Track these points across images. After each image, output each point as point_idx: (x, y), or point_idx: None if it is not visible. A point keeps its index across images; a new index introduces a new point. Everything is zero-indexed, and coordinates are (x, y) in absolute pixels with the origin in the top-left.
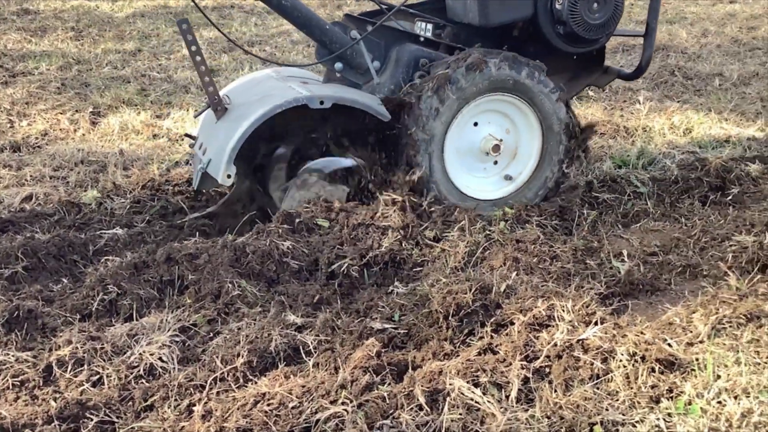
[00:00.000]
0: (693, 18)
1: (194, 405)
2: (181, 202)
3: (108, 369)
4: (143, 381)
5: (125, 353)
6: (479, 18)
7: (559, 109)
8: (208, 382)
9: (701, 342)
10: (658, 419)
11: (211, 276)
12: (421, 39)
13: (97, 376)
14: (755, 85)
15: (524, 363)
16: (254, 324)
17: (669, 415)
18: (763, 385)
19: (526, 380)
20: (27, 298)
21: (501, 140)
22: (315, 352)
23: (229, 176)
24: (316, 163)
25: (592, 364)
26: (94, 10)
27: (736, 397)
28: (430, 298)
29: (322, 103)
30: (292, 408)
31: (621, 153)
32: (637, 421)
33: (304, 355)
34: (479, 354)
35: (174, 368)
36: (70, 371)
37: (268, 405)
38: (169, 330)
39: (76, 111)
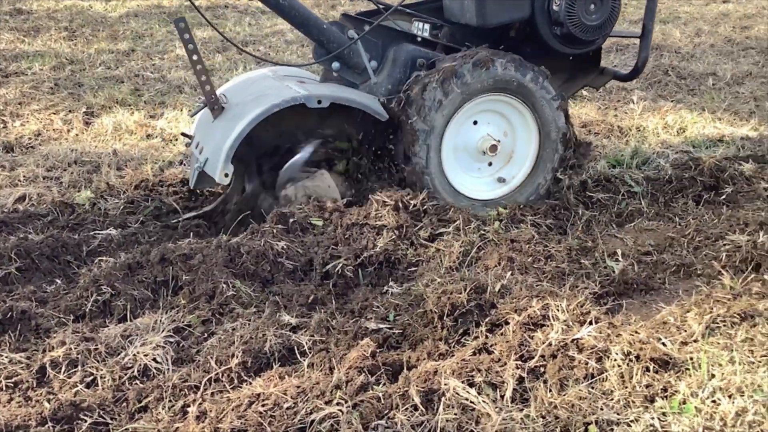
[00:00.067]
0: (686, 18)
1: (189, 406)
2: (174, 203)
3: (102, 370)
4: (137, 382)
5: (119, 354)
6: (476, 18)
7: (559, 118)
8: (203, 382)
9: (695, 341)
10: (652, 418)
11: (205, 276)
12: (419, 39)
13: (91, 378)
14: (748, 85)
15: (519, 363)
16: (249, 324)
17: (664, 414)
18: (757, 384)
19: (520, 380)
20: (20, 299)
21: (498, 141)
22: (310, 353)
23: (226, 175)
24: (285, 169)
25: (586, 363)
26: (88, 10)
27: (730, 396)
28: (424, 298)
29: (320, 102)
30: (287, 408)
31: (615, 152)
32: (631, 421)
33: (298, 356)
34: (474, 354)
35: (168, 369)
36: (63, 372)
37: (263, 406)
38: (163, 331)
39: (70, 111)
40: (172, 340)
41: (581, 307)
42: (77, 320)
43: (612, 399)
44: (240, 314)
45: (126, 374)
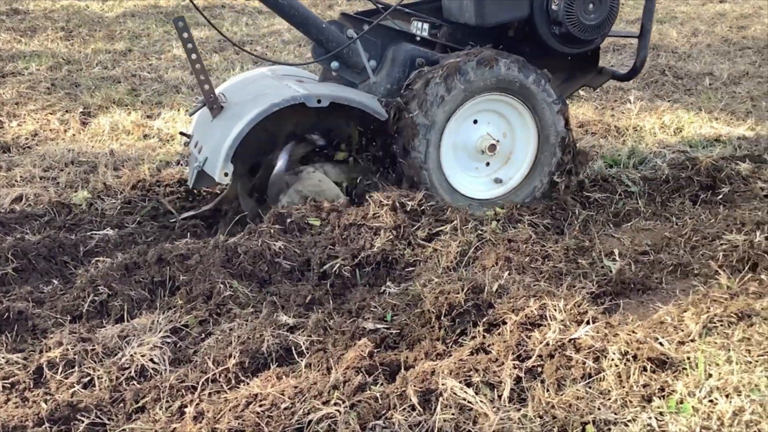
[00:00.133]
0: (683, 17)
1: (186, 406)
2: (167, 204)
3: (99, 371)
4: (134, 382)
5: (116, 355)
6: (475, 18)
7: (559, 122)
8: (200, 383)
9: (692, 341)
10: (650, 418)
11: (202, 277)
12: (418, 38)
13: (88, 378)
14: (745, 85)
15: (516, 362)
16: (246, 325)
17: (661, 413)
18: (754, 384)
19: (518, 380)
20: (17, 300)
21: (498, 141)
22: (307, 353)
23: (226, 174)
24: (272, 184)
25: (584, 363)
26: (84, 10)
27: (727, 396)
28: (422, 298)
29: (319, 101)
30: (285, 409)
31: (612, 152)
32: (629, 420)
33: (296, 356)
34: (471, 354)
35: (165, 369)
36: (60, 373)
37: (260, 406)
38: (160, 331)
39: (67, 111)
40: (169, 340)
41: (578, 306)
42: (74, 321)
43: (609, 399)
44: (237, 314)
45: (123, 375)
